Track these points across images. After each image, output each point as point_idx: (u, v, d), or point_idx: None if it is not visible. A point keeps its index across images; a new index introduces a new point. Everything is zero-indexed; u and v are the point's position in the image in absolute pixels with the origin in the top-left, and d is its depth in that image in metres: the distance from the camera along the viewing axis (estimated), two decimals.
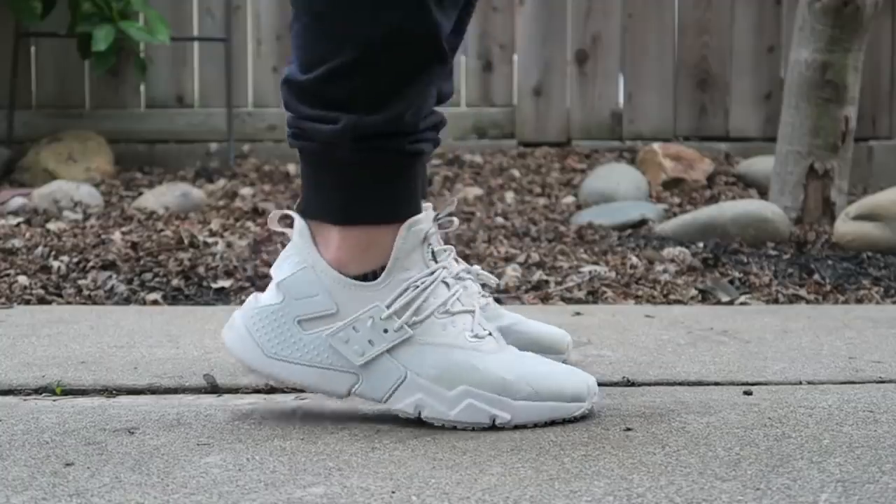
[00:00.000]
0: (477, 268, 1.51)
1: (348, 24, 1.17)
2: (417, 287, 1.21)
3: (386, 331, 1.19)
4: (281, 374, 1.22)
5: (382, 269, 1.21)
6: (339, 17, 1.17)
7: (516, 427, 1.19)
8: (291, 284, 1.22)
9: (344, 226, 1.22)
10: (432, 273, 1.22)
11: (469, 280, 1.48)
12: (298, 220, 1.23)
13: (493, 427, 1.19)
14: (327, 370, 1.21)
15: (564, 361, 1.47)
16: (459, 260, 1.49)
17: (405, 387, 1.19)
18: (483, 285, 1.49)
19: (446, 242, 1.32)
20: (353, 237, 1.21)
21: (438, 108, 1.46)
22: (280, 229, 1.25)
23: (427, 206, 1.25)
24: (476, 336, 1.22)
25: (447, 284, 1.24)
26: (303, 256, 1.22)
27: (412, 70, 1.19)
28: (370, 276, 1.21)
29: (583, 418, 1.23)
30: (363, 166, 1.20)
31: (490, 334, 1.24)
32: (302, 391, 1.39)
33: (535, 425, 1.19)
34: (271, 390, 1.40)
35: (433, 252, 1.24)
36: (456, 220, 1.36)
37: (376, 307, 1.19)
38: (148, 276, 2.41)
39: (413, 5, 1.16)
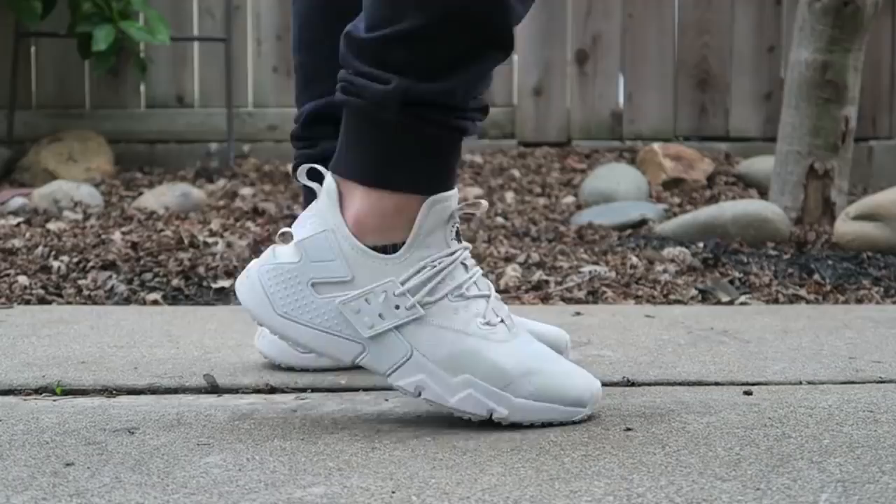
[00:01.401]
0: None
1: None
2: (435, 266, 1.20)
3: (398, 307, 1.18)
4: (289, 333, 1.21)
5: (403, 243, 1.20)
6: None
7: (514, 424, 1.19)
8: (310, 246, 1.21)
9: (372, 188, 1.20)
10: (452, 253, 1.21)
11: None
12: (329, 180, 1.22)
13: (490, 421, 1.19)
14: (335, 336, 1.20)
15: None
16: None
17: (409, 365, 1.19)
18: None
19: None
20: (380, 201, 1.20)
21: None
22: (308, 183, 1.24)
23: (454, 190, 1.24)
24: (488, 323, 1.21)
25: (465, 266, 1.23)
26: (326, 219, 1.21)
27: (475, 50, 1.17)
28: (389, 249, 1.20)
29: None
30: (405, 132, 1.18)
31: (502, 321, 1.23)
32: (303, 390, 1.39)
33: (532, 424, 1.19)
34: (271, 390, 1.40)
35: (457, 232, 1.23)
36: (483, 204, 1.32)
37: (391, 282, 1.18)
38: (148, 276, 2.41)
39: None
